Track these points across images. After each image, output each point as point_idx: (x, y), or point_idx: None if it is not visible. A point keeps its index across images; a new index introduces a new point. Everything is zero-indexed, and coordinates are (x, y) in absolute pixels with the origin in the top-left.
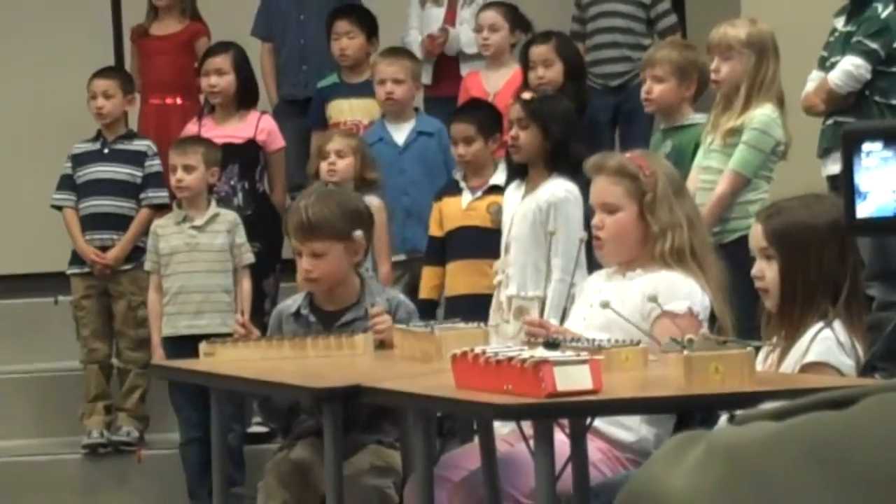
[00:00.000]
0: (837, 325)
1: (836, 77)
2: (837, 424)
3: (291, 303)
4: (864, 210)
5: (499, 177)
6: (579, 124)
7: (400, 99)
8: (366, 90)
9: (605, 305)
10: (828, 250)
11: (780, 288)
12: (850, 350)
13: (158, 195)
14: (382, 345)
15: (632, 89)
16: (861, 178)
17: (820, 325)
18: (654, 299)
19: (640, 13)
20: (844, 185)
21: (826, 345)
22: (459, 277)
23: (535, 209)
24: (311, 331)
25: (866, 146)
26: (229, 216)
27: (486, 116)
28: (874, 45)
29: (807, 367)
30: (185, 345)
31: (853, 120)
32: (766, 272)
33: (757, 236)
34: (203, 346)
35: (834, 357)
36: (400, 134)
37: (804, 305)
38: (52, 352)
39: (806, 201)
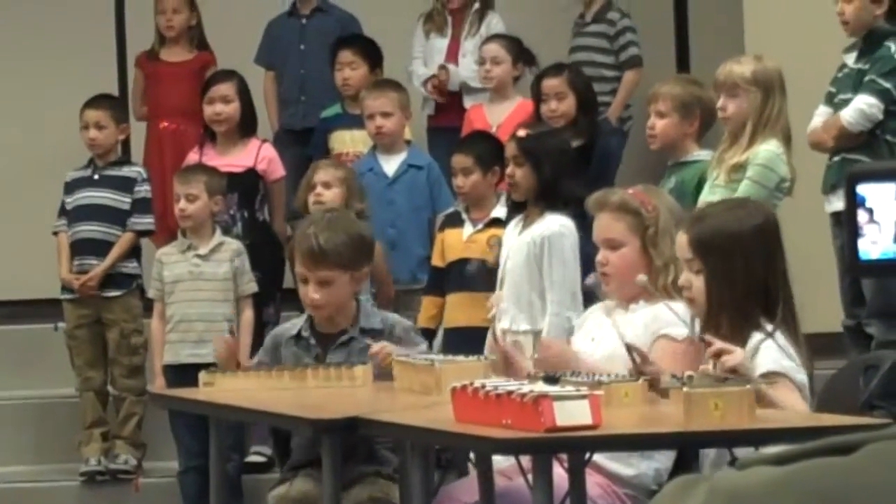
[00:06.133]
0: (779, 336)
1: (848, 115)
2: (840, 471)
3: (290, 326)
4: (867, 251)
5: (500, 210)
6: (574, 161)
7: (390, 132)
8: None
9: (631, 349)
10: (754, 257)
11: (707, 298)
12: (795, 356)
13: (143, 221)
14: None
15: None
16: (864, 219)
17: (760, 336)
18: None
19: (605, 44)
20: (848, 227)
21: (770, 354)
22: (458, 309)
23: (529, 243)
24: (310, 353)
25: (870, 187)
26: (233, 245)
27: (485, 149)
28: (887, 85)
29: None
30: (186, 373)
31: (861, 157)
32: (692, 282)
33: (682, 246)
34: (202, 376)
35: (780, 365)
36: (390, 165)
37: (733, 315)
38: (51, 378)
39: (729, 206)
